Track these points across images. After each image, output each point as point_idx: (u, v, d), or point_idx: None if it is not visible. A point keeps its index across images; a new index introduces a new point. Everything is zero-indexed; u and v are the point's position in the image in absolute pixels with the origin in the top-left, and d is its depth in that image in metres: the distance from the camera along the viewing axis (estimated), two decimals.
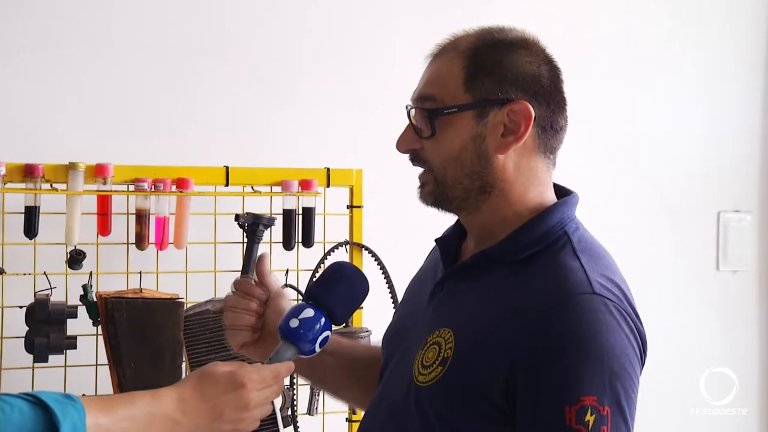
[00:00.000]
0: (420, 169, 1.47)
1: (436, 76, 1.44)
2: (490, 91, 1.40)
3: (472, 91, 1.40)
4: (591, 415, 1.26)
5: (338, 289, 1.51)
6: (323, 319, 1.47)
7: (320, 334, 1.47)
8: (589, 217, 1.55)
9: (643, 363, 1.36)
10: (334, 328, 1.51)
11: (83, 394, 2.27)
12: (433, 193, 1.45)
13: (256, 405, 1.40)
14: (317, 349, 1.47)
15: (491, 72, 1.40)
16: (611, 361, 1.28)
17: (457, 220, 1.54)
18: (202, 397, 1.36)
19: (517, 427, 1.31)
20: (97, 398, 1.36)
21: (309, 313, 1.46)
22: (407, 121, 1.46)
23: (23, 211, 2.28)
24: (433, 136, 1.42)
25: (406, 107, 1.46)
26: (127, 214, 2.37)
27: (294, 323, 1.46)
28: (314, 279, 2.42)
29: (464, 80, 1.41)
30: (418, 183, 1.47)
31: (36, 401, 1.24)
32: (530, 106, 1.39)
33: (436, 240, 1.56)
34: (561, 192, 1.48)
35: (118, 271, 2.37)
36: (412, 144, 1.45)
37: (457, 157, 1.41)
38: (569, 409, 1.26)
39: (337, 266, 1.57)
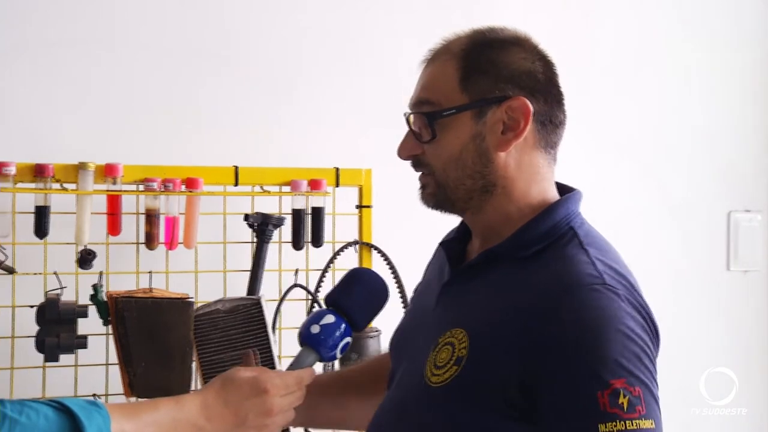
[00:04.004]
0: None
1: (431, 80, 1.45)
2: (486, 89, 1.40)
3: (469, 91, 1.41)
4: (624, 397, 1.25)
5: (358, 295, 1.51)
6: (344, 326, 1.48)
7: (341, 340, 1.47)
8: (599, 218, 1.55)
9: (657, 349, 1.36)
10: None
11: (94, 394, 2.29)
12: (435, 196, 1.45)
13: (280, 411, 1.40)
14: (338, 354, 1.48)
15: (486, 71, 1.41)
16: (631, 344, 1.28)
17: (461, 222, 1.54)
18: (226, 402, 1.37)
19: (542, 422, 1.29)
20: (122, 404, 1.38)
21: (329, 319, 1.47)
22: (407, 128, 1.46)
23: (33, 210, 2.29)
24: (433, 140, 1.42)
25: (405, 114, 1.46)
26: (137, 213, 2.38)
27: (315, 329, 1.46)
28: (323, 282, 2.43)
29: (460, 81, 1.41)
30: (418, 185, 1.47)
31: (61, 407, 1.25)
32: (528, 102, 1.40)
33: (441, 243, 1.56)
34: (563, 190, 1.48)
35: (128, 270, 2.38)
36: (413, 150, 1.45)
37: (459, 158, 1.41)
38: (602, 394, 1.25)
39: (358, 272, 1.58)
